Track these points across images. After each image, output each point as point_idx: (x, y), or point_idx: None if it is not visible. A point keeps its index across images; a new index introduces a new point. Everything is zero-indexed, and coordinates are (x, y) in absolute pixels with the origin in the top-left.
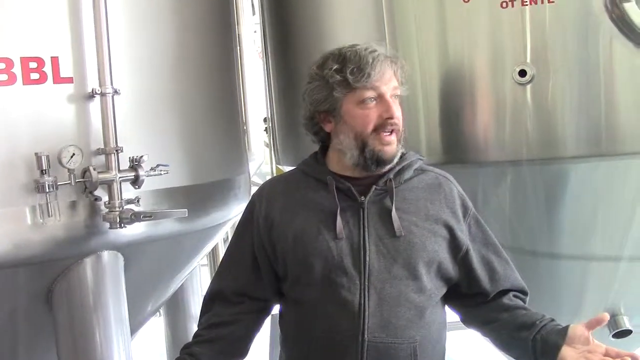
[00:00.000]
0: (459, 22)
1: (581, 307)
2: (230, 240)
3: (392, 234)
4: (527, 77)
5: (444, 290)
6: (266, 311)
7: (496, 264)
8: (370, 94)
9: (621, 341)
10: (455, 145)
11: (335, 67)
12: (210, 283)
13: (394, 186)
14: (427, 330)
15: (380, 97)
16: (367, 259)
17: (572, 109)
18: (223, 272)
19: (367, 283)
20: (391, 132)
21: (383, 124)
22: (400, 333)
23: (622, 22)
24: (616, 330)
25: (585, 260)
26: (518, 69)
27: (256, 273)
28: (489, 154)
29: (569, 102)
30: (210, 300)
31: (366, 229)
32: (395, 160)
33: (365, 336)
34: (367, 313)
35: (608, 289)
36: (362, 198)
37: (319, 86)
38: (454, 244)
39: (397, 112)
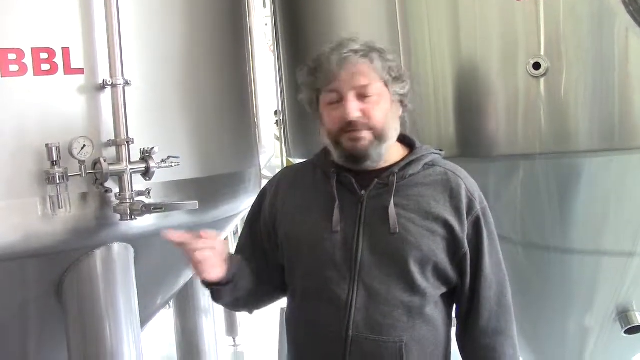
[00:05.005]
0: (472, 14)
1: (593, 302)
2: (243, 227)
3: (387, 230)
4: (541, 70)
5: (442, 290)
6: (277, 291)
7: (481, 283)
8: (331, 95)
9: (633, 337)
10: (468, 139)
11: (305, 69)
12: None
13: (395, 181)
14: (418, 331)
15: (342, 98)
16: (359, 254)
17: (586, 102)
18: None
19: (356, 279)
20: (361, 129)
21: (346, 125)
22: (386, 332)
23: (638, 14)
24: (628, 327)
25: (598, 256)
26: (532, 62)
27: (264, 260)
28: (501, 148)
29: (583, 95)
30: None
31: (362, 224)
32: (381, 154)
33: (350, 332)
34: (353, 309)
35: (620, 285)
36: (362, 192)
37: (301, 90)
38: (454, 244)
39: (355, 112)
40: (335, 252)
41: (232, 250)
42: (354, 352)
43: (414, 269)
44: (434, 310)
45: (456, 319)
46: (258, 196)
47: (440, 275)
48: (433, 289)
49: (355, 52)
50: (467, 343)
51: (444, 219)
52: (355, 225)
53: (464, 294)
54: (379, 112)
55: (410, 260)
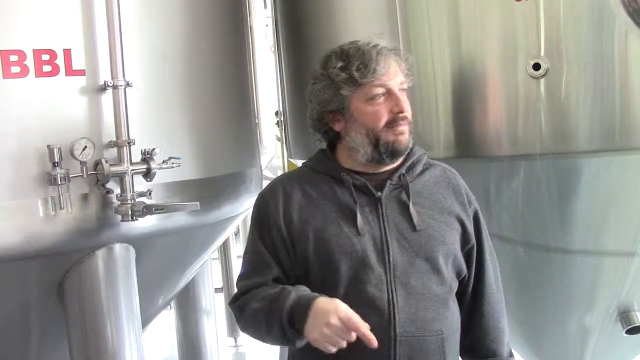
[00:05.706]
0: (472, 15)
1: (593, 303)
2: (247, 244)
3: (411, 228)
4: (541, 71)
5: (457, 282)
6: None
7: (485, 271)
8: (378, 90)
9: (634, 337)
10: (469, 140)
11: (339, 65)
12: (238, 285)
13: (409, 180)
14: (451, 322)
15: (388, 92)
16: (391, 253)
17: (586, 103)
18: (249, 275)
19: (393, 278)
20: (405, 122)
21: (394, 119)
22: (429, 326)
23: (638, 15)
24: (629, 327)
25: (598, 256)
26: (532, 62)
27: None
28: (502, 148)
29: (583, 96)
30: (242, 294)
31: (386, 224)
32: (407, 150)
33: (397, 331)
34: (396, 308)
35: (621, 285)
36: (379, 193)
37: (325, 86)
38: (464, 237)
39: (406, 105)
40: (367, 254)
41: (232, 250)
42: (400, 352)
43: (442, 263)
44: (454, 301)
45: (459, 306)
46: (258, 209)
47: (456, 267)
48: (453, 281)
49: (393, 50)
50: (474, 327)
51: (456, 214)
52: (380, 226)
53: (470, 283)
54: (410, 108)
55: (438, 254)
